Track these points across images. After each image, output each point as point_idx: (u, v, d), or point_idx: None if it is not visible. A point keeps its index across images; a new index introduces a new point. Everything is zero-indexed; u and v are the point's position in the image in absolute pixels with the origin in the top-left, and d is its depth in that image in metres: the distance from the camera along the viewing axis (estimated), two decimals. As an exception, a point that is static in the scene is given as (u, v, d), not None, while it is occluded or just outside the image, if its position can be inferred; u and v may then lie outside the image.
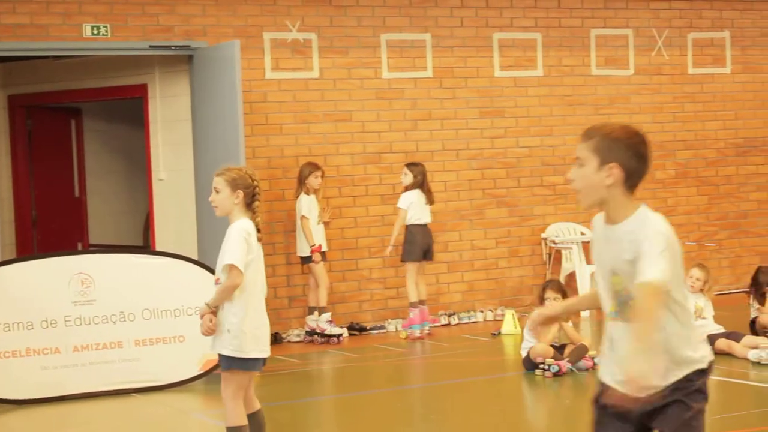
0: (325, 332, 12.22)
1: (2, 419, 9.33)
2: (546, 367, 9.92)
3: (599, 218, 4.38)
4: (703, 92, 15.07)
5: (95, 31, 11.79)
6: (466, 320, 13.42)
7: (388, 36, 13.24)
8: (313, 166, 12.31)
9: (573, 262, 13.77)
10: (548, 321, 4.74)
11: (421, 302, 12.49)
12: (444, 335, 12.69)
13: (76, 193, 15.39)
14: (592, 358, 10.16)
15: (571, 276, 13.74)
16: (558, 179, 14.08)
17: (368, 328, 12.93)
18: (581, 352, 10.11)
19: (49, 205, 14.53)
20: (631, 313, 4.19)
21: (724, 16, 15.20)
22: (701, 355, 4.23)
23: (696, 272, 10.60)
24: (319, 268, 12.21)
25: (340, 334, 12.29)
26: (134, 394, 9.80)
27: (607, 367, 4.38)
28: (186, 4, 12.23)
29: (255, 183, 6.61)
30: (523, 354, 10.23)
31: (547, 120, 14.09)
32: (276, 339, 11.96)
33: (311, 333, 12.40)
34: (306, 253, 12.21)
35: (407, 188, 12.46)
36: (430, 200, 12.53)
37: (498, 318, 13.31)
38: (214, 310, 6.49)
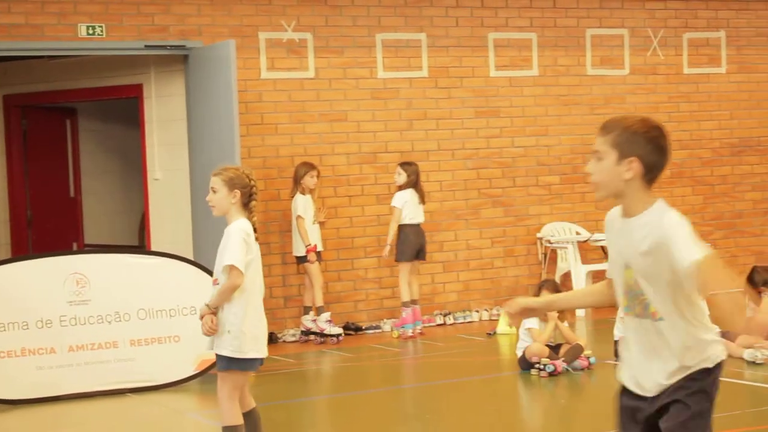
0: (325, 332, 12.22)
1: (-3, 419, 9.33)
2: (541, 366, 9.92)
3: (615, 212, 4.32)
4: (698, 92, 15.09)
5: (90, 31, 11.78)
6: (461, 320, 13.42)
7: (384, 36, 13.24)
8: (309, 166, 12.31)
9: (568, 261, 13.77)
10: (525, 312, 4.61)
11: (414, 302, 12.50)
12: (439, 335, 12.69)
13: (72, 193, 15.37)
14: (588, 357, 10.18)
15: (567, 276, 13.75)
16: (553, 179, 14.09)
17: (363, 327, 12.93)
18: (577, 351, 10.12)
19: (45, 204, 14.52)
20: (640, 309, 4.18)
21: (720, 16, 15.21)
22: (708, 354, 4.18)
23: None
24: (314, 267, 12.21)
25: (340, 334, 12.29)
26: (129, 394, 9.80)
27: (624, 368, 4.36)
28: (181, 4, 12.23)
29: (252, 183, 6.63)
30: (519, 354, 10.23)
31: (543, 120, 14.10)
32: (271, 339, 11.95)
33: (307, 333, 12.40)
34: (301, 252, 12.21)
35: (401, 187, 12.47)
36: (423, 200, 12.54)
37: (493, 318, 13.32)
38: (214, 311, 6.51)
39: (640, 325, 4.22)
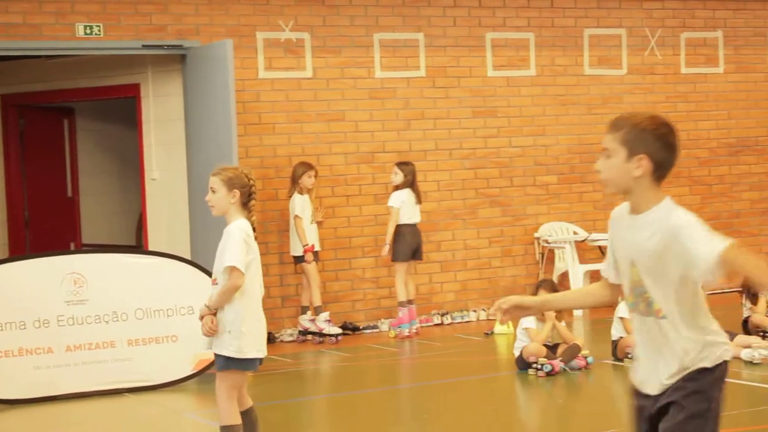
0: (324, 332, 12.22)
1: (-5, 419, 9.33)
2: (539, 366, 9.92)
3: (622, 209, 4.30)
4: (695, 92, 15.09)
5: (88, 31, 11.78)
6: (459, 320, 13.42)
7: (381, 35, 13.23)
8: (307, 166, 12.30)
9: (566, 261, 13.77)
10: (516, 309, 4.53)
11: (410, 301, 12.50)
12: (437, 335, 12.69)
13: (69, 193, 15.37)
14: (585, 357, 10.18)
15: (564, 275, 13.75)
16: (551, 179, 14.10)
17: (361, 327, 12.93)
18: (574, 351, 10.12)
19: (42, 204, 14.52)
20: (644, 307, 4.18)
21: (717, 15, 15.22)
22: (706, 354, 4.14)
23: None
24: (311, 267, 12.21)
25: (339, 334, 12.28)
26: (127, 394, 9.79)
27: (634, 366, 4.35)
28: (179, 4, 12.22)
29: (251, 182, 6.63)
30: (516, 353, 10.23)
31: (540, 120, 14.10)
32: (269, 339, 11.88)
33: (304, 332, 12.40)
34: (299, 252, 12.20)
35: (397, 187, 12.46)
36: (419, 200, 12.54)
37: (491, 317, 13.30)
38: (214, 311, 6.51)
39: (645, 323, 4.21)
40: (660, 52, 14.81)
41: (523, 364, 10.11)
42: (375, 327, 12.99)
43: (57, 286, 9.64)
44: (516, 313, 4.54)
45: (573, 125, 14.21)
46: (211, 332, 6.51)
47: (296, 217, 12.14)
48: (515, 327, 10.51)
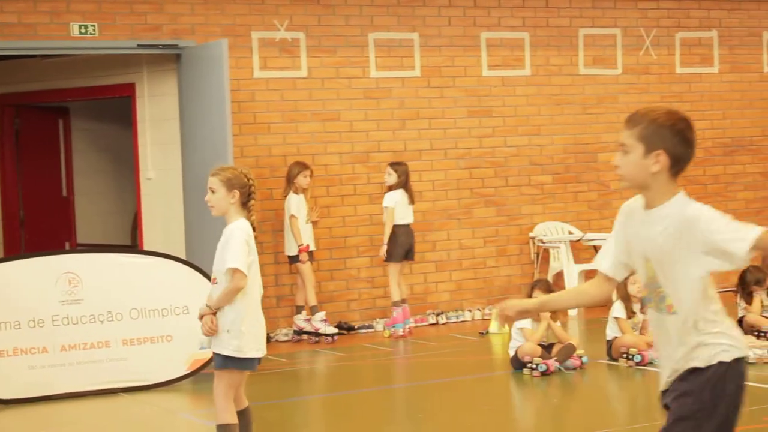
0: (320, 331, 12.22)
1: (-11, 419, 9.32)
2: (534, 366, 9.93)
3: (635, 203, 4.28)
4: (690, 92, 15.11)
5: (83, 30, 11.77)
6: (454, 319, 13.43)
7: (376, 35, 13.24)
8: (302, 166, 12.30)
9: (561, 261, 13.78)
10: (521, 315, 4.57)
11: (403, 301, 12.51)
12: (432, 334, 12.70)
13: (64, 193, 15.36)
14: (580, 357, 10.19)
15: (559, 275, 13.76)
16: (546, 178, 14.10)
17: (356, 327, 12.93)
18: (569, 351, 10.13)
19: (37, 204, 14.51)
20: (657, 302, 4.16)
21: (712, 15, 15.24)
22: (697, 354, 4.09)
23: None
24: (306, 267, 12.21)
25: (335, 333, 12.28)
26: (122, 394, 9.79)
27: (659, 363, 4.36)
28: (174, 3, 12.21)
29: (250, 182, 6.63)
30: (511, 353, 10.24)
31: (535, 119, 14.11)
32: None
33: (299, 332, 12.40)
34: (294, 252, 12.20)
35: (391, 188, 12.46)
36: (413, 200, 12.54)
37: (486, 317, 13.33)
38: (214, 311, 6.51)
39: (658, 318, 4.20)
40: (655, 52, 14.82)
41: (518, 364, 10.12)
42: (370, 327, 12.99)
43: (52, 286, 9.64)
44: (519, 317, 4.61)
45: (568, 125, 14.22)
46: (211, 332, 6.52)
47: (291, 216, 12.14)
48: (510, 327, 10.52)
